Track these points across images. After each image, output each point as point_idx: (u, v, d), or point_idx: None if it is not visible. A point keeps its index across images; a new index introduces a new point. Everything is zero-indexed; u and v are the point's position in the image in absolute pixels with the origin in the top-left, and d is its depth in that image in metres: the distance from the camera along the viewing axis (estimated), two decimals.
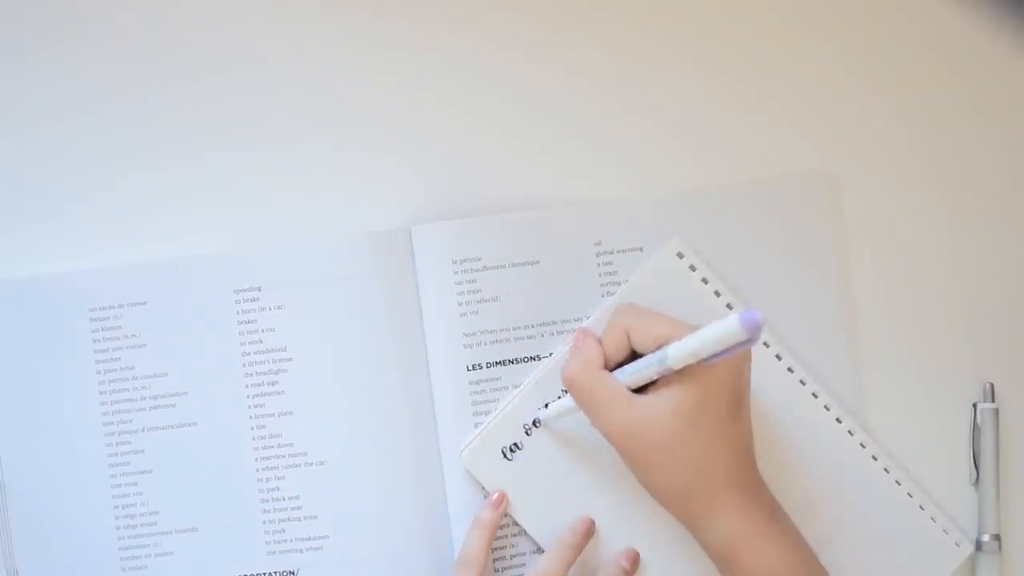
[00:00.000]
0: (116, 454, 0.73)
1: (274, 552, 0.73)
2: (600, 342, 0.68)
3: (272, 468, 0.73)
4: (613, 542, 0.72)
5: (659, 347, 0.64)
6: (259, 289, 0.73)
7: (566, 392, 0.68)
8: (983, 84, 0.76)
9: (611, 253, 0.74)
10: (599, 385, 0.66)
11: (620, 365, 0.67)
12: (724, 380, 0.64)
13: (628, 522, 0.72)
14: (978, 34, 0.76)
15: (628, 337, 0.67)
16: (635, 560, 0.72)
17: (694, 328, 0.63)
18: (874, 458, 0.73)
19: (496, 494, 0.71)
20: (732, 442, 0.65)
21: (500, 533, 0.72)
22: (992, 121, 0.76)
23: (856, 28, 0.76)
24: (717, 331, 0.60)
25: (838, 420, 0.73)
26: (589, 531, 0.72)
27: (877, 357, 0.74)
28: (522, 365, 0.73)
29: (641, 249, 0.74)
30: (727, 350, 0.61)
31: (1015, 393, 0.74)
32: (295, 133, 0.75)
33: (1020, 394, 0.75)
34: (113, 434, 0.73)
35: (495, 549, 0.73)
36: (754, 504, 0.65)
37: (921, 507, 0.73)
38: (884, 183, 0.76)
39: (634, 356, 0.67)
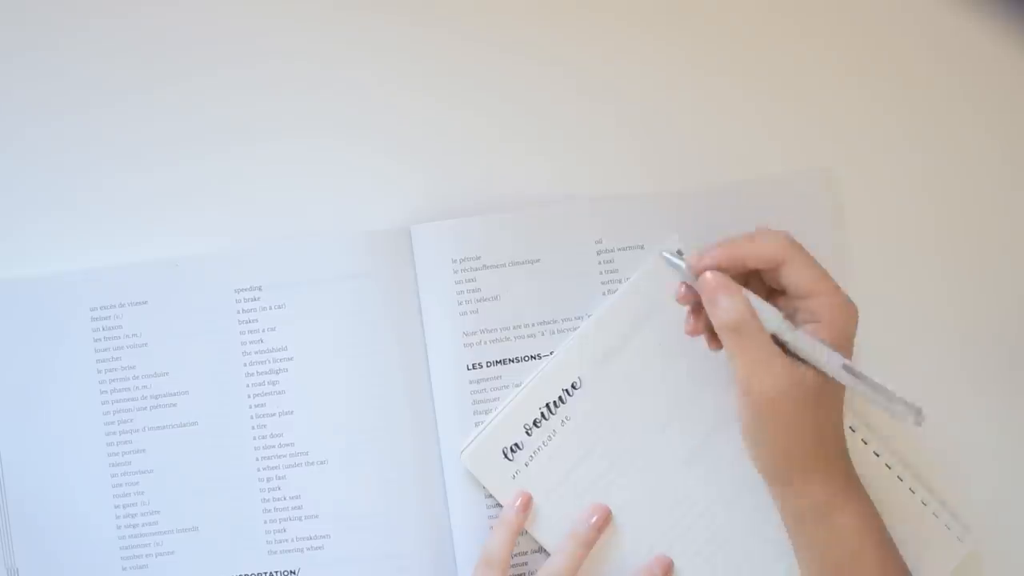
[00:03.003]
0: (117, 453, 0.73)
1: (275, 552, 0.72)
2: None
3: (273, 468, 0.73)
4: (615, 542, 0.72)
5: (780, 267, 0.65)
6: (260, 288, 0.73)
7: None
8: (983, 82, 0.76)
9: (612, 251, 0.74)
10: (755, 336, 0.64)
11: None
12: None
13: (629, 521, 0.72)
14: (978, 31, 0.76)
15: (778, 267, 0.65)
16: (668, 567, 0.72)
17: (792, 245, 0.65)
18: (876, 454, 0.73)
19: (521, 497, 0.71)
20: (834, 425, 0.66)
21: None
22: (992, 118, 0.76)
23: (856, 26, 0.76)
24: (890, 403, 0.64)
25: None
26: (604, 522, 0.72)
27: (878, 353, 0.74)
28: (523, 364, 0.73)
29: (642, 247, 0.74)
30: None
31: (1015, 387, 0.75)
32: (295, 133, 0.75)
33: (1020, 391, 0.75)
34: (114, 433, 0.73)
35: None
36: (846, 471, 0.66)
37: (923, 503, 0.73)
38: (884, 180, 0.76)
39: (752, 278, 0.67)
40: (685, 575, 0.72)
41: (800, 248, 0.66)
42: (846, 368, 0.64)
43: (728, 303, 0.64)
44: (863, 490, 0.67)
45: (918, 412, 0.63)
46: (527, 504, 0.71)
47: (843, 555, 0.65)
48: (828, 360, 0.64)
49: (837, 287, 0.65)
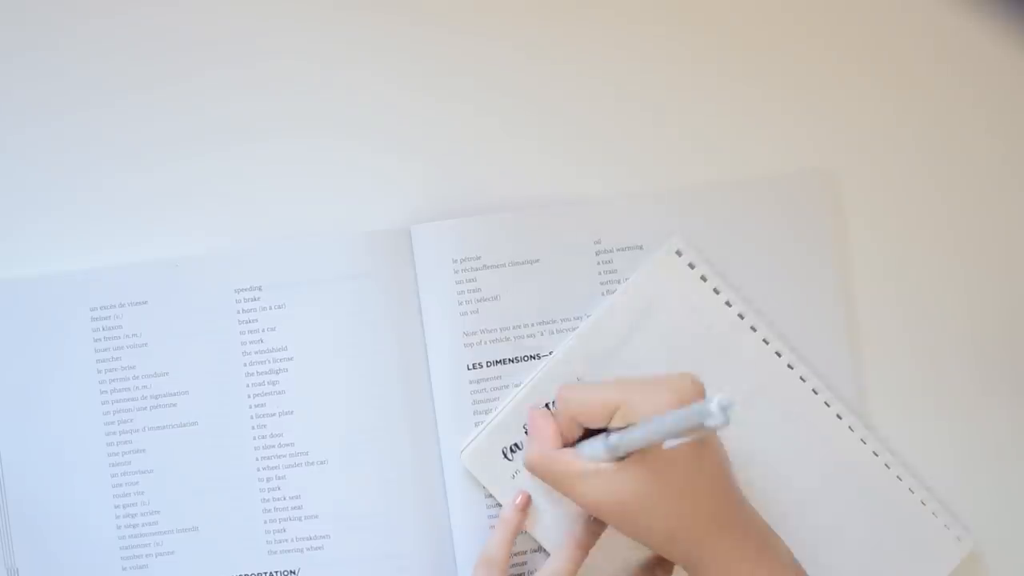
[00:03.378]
0: (117, 453, 0.73)
1: (275, 552, 0.72)
2: (554, 419, 0.69)
3: (273, 467, 0.73)
4: (615, 541, 0.72)
5: (610, 417, 0.65)
6: (260, 288, 0.73)
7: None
8: (983, 82, 0.76)
9: (611, 251, 0.74)
10: (558, 464, 0.67)
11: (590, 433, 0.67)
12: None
13: None
14: (977, 31, 0.76)
15: (576, 421, 0.67)
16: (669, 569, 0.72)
17: (638, 384, 0.65)
18: (875, 454, 0.73)
19: (521, 496, 0.71)
20: (706, 487, 0.65)
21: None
22: (992, 118, 0.76)
23: (856, 26, 0.76)
24: (658, 428, 0.60)
25: (838, 416, 0.73)
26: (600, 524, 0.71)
27: (877, 353, 0.74)
28: (522, 364, 0.73)
29: (641, 247, 0.74)
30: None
31: (1015, 387, 0.74)
32: (295, 132, 0.75)
33: (1021, 391, 0.75)
34: (114, 433, 0.73)
35: None
36: (741, 537, 0.65)
37: (923, 503, 0.73)
38: (883, 180, 0.76)
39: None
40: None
41: (569, 396, 0.68)
42: (615, 439, 0.64)
43: (528, 449, 0.69)
44: (770, 558, 0.65)
45: (724, 408, 0.54)
46: (526, 504, 0.71)
47: None
48: (611, 447, 0.64)
49: (614, 388, 0.66)
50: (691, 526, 0.64)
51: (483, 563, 0.70)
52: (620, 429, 0.64)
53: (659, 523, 0.65)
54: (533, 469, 0.69)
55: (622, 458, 0.64)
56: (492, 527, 0.72)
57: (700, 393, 0.64)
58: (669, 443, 0.59)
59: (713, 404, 0.54)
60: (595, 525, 0.71)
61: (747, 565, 0.65)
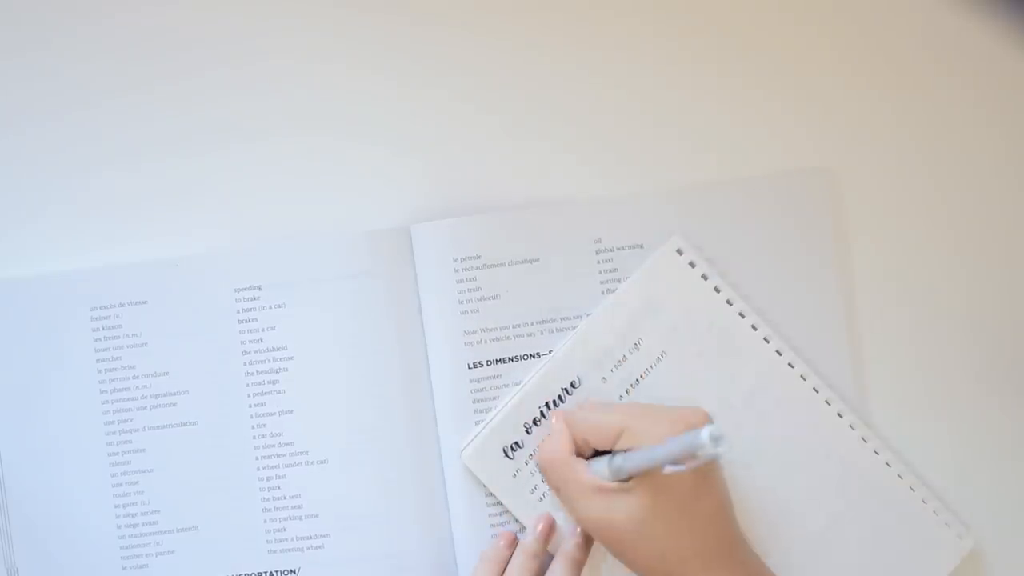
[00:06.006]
0: (117, 453, 0.73)
1: (275, 551, 0.72)
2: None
3: (273, 467, 0.73)
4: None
5: (616, 440, 0.66)
6: (259, 288, 0.73)
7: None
8: (983, 82, 0.76)
9: (611, 250, 0.74)
10: (567, 471, 0.68)
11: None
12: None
13: None
14: (978, 31, 0.76)
15: (586, 440, 0.68)
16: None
17: (645, 409, 0.66)
18: (876, 452, 0.73)
19: (542, 524, 0.71)
20: (702, 522, 0.65)
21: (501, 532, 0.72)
22: (992, 118, 0.76)
23: (856, 26, 0.76)
24: (672, 450, 0.60)
25: (839, 415, 0.73)
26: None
27: (878, 352, 0.74)
28: (523, 363, 0.73)
29: (641, 246, 0.74)
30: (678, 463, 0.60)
31: (1016, 387, 0.74)
32: (295, 132, 0.75)
33: (1021, 390, 0.74)
34: (114, 433, 0.73)
35: None
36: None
37: (924, 501, 0.73)
38: (884, 180, 0.76)
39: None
40: None
41: (576, 418, 0.69)
42: (619, 459, 0.64)
43: (544, 446, 0.70)
44: None
45: (715, 438, 0.56)
46: (547, 531, 0.71)
47: None
48: (616, 469, 0.65)
49: (620, 412, 0.67)
50: (682, 557, 0.65)
51: None
52: (624, 452, 0.65)
53: (650, 548, 0.65)
54: (543, 467, 0.69)
55: (626, 480, 0.65)
56: (492, 527, 0.72)
57: (703, 424, 0.64)
58: (668, 469, 0.60)
59: (704, 434, 0.56)
60: (585, 547, 0.71)
61: None
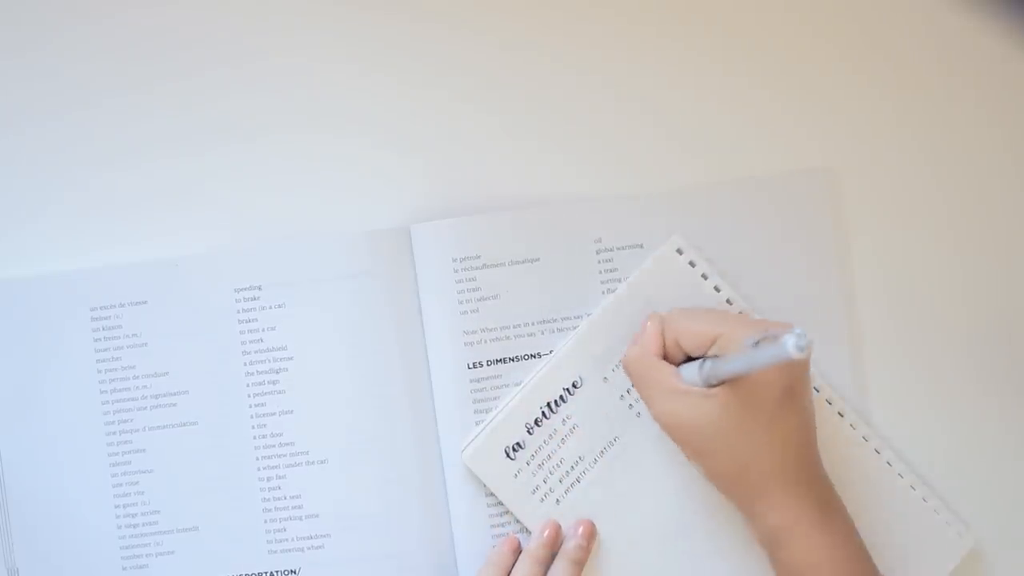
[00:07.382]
0: (117, 453, 0.73)
1: (275, 551, 0.72)
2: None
3: (273, 467, 0.73)
4: (618, 542, 0.72)
5: (710, 346, 0.66)
6: (259, 288, 0.73)
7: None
8: (983, 82, 0.76)
9: (611, 250, 0.74)
10: (653, 372, 0.68)
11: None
12: (775, 379, 0.64)
13: (632, 521, 0.72)
14: (978, 31, 0.76)
15: (679, 345, 0.68)
16: (591, 534, 0.72)
17: (740, 318, 0.67)
18: (877, 452, 0.73)
19: (548, 530, 0.71)
20: (781, 437, 0.65)
21: (502, 533, 0.72)
22: (992, 118, 0.76)
23: (856, 26, 0.76)
24: (762, 357, 0.60)
25: (840, 414, 0.73)
26: (589, 535, 0.71)
27: (879, 352, 0.74)
28: (523, 362, 0.73)
29: (641, 246, 0.74)
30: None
31: (1016, 386, 0.75)
32: (295, 131, 0.75)
33: (1021, 390, 0.75)
34: (114, 433, 0.73)
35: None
36: (804, 496, 0.65)
37: (924, 500, 0.73)
38: (885, 180, 0.76)
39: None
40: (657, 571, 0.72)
41: (675, 319, 0.69)
42: (709, 364, 0.64)
43: (633, 346, 0.70)
44: (831, 521, 0.65)
45: (800, 336, 0.56)
46: (555, 536, 0.71)
47: None
48: (707, 376, 0.65)
49: (721, 319, 0.68)
50: (761, 468, 0.65)
51: None
52: (715, 357, 0.65)
53: (725, 458, 0.65)
54: (629, 367, 0.70)
55: (714, 387, 0.65)
56: (493, 527, 0.72)
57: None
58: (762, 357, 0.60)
59: (791, 337, 0.56)
60: (586, 548, 0.71)
61: (803, 527, 0.65)
